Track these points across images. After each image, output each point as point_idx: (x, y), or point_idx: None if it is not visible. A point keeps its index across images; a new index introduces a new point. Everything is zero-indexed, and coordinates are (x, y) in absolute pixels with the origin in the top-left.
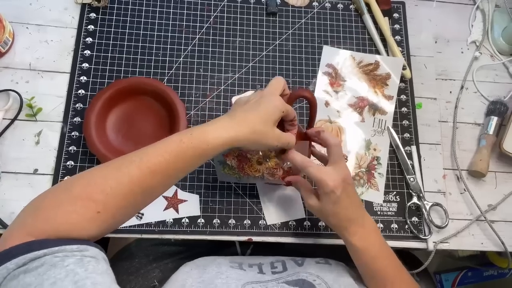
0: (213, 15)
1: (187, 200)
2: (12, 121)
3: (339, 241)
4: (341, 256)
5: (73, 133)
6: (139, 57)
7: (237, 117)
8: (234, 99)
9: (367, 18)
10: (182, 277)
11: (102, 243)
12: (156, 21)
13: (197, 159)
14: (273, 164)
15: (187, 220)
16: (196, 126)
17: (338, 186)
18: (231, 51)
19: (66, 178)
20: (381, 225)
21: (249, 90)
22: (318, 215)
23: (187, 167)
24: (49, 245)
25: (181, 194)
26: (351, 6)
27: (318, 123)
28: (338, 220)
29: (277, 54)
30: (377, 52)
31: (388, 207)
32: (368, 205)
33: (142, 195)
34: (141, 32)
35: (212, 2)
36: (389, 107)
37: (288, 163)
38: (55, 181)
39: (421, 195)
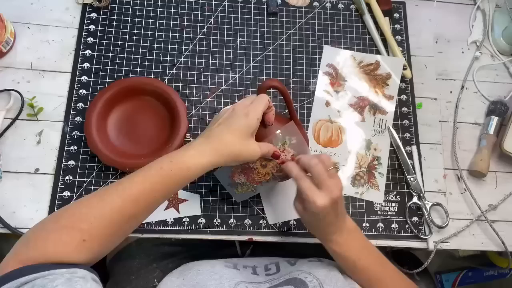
0: (213, 15)
1: (187, 200)
2: (14, 120)
3: None
4: None
5: (74, 133)
6: (140, 57)
7: (213, 139)
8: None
9: (368, 18)
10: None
11: None
12: (157, 21)
13: (177, 185)
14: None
15: (187, 220)
16: (175, 152)
17: (326, 208)
18: (231, 51)
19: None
20: (382, 225)
21: (250, 90)
22: (300, 217)
23: (168, 193)
24: (40, 270)
25: (182, 194)
26: (351, 6)
27: (319, 123)
28: (317, 230)
29: (278, 54)
30: (378, 52)
31: (389, 207)
32: (369, 205)
33: (126, 223)
34: (142, 32)
35: (213, 2)
36: (390, 107)
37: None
38: (56, 181)
39: (421, 195)
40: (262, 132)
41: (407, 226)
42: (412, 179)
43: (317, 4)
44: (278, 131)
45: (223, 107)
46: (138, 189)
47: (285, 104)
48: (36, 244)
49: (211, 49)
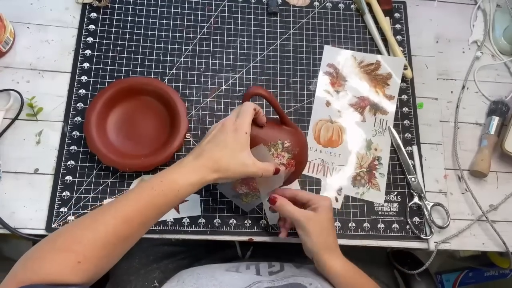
0: (214, 14)
1: (187, 200)
2: (13, 120)
3: (339, 242)
4: None
5: (73, 133)
6: (140, 56)
7: (202, 157)
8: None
9: (368, 18)
10: None
11: None
12: (157, 20)
13: (169, 204)
14: None
15: (187, 220)
16: (166, 171)
17: (330, 205)
18: (232, 51)
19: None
20: (382, 225)
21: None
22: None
23: (160, 212)
24: None
25: None
26: (352, 6)
27: (319, 123)
28: (329, 236)
29: (278, 54)
30: (378, 52)
31: (389, 207)
32: (369, 205)
33: (120, 244)
34: (142, 31)
35: (213, 2)
36: (390, 107)
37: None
38: (55, 181)
39: (422, 195)
40: (257, 134)
41: (408, 226)
42: (413, 179)
43: (318, 3)
44: (262, 143)
45: (223, 107)
46: (130, 210)
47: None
48: (32, 265)
49: (211, 49)
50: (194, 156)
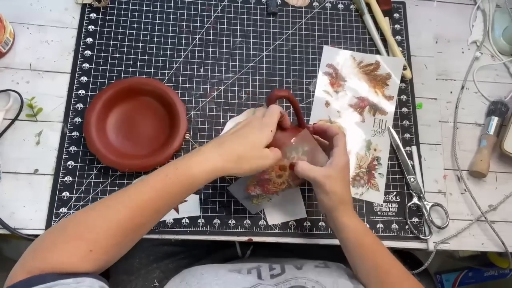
0: (213, 15)
1: (187, 200)
2: (13, 121)
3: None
4: (340, 256)
5: (73, 133)
6: (139, 57)
7: (222, 147)
8: (229, 122)
9: (368, 18)
10: None
11: None
12: (157, 21)
13: (184, 192)
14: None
15: (187, 220)
16: (181, 158)
17: (348, 162)
18: (231, 51)
19: (69, 214)
20: (382, 226)
21: (249, 90)
22: (322, 182)
23: (175, 201)
24: (48, 280)
25: None
26: (351, 6)
27: (318, 123)
28: (344, 189)
29: (278, 54)
30: (378, 52)
31: (389, 207)
32: (368, 206)
33: (132, 232)
34: (142, 32)
35: (213, 2)
36: (390, 107)
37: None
38: (55, 181)
39: (421, 195)
40: (280, 137)
41: (407, 226)
42: (412, 179)
43: (317, 4)
44: (292, 141)
45: (223, 107)
46: (144, 198)
47: (292, 110)
48: (42, 254)
49: (210, 49)
50: (213, 145)
